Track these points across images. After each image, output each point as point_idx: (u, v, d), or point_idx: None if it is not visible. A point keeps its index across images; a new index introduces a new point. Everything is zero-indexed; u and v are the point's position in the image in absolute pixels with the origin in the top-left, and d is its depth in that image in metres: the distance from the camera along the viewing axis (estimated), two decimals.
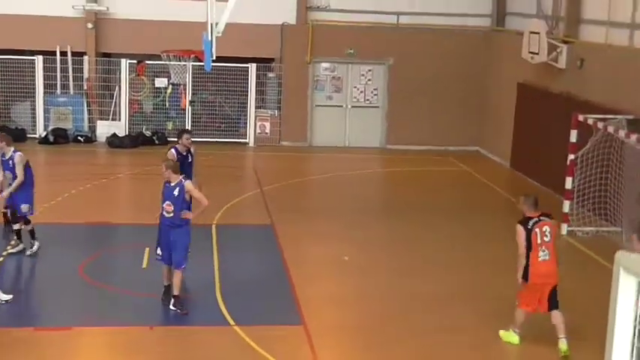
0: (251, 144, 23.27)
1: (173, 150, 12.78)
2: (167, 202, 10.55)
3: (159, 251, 10.81)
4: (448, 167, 21.46)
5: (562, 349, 9.55)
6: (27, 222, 12.78)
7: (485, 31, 23.73)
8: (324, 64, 23.86)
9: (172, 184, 10.55)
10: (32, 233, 12.79)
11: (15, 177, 12.41)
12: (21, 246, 12.72)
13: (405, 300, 11.36)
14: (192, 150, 12.93)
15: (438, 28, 23.45)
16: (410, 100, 23.59)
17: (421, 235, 14.73)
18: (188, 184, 10.62)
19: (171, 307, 10.58)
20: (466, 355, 9.78)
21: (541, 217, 9.73)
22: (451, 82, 23.62)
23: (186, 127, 19.81)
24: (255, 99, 23.43)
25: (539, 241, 9.61)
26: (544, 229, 9.64)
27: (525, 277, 9.60)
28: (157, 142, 22.74)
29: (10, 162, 12.47)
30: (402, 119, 23.73)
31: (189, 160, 12.79)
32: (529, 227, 9.62)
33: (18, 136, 22.32)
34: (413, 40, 23.36)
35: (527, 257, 9.58)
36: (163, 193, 10.64)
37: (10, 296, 10.62)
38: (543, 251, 9.62)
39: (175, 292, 10.63)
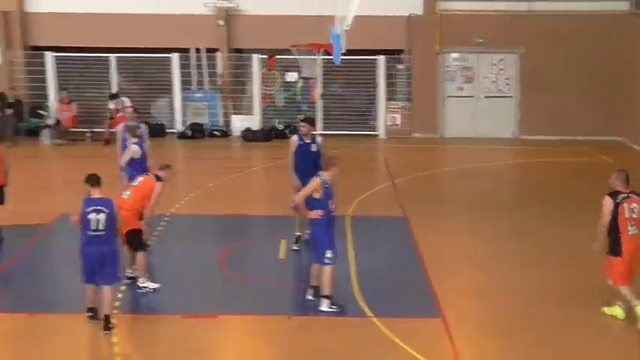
0: (382, 136, 23.34)
1: (296, 136, 12.98)
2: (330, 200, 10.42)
3: (329, 254, 10.34)
4: (585, 158, 20.81)
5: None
6: None
7: (622, 14, 22.85)
8: (454, 55, 23.64)
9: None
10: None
11: None
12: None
13: (543, 293, 11.14)
14: (318, 140, 12.90)
15: (571, 14, 22.77)
16: (543, 89, 23.05)
17: (552, 228, 14.37)
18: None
19: (322, 308, 10.38)
20: (609, 348, 9.51)
21: (630, 194, 9.90)
22: (589, 69, 22.89)
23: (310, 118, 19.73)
24: (386, 91, 23.45)
25: (627, 215, 9.79)
26: (632, 206, 9.81)
27: (618, 252, 9.78)
28: (289, 135, 23.05)
29: None
30: (535, 109, 23.22)
31: (314, 149, 12.69)
32: (617, 201, 9.80)
33: (157, 131, 23.28)
34: (545, 27, 22.81)
35: (614, 232, 9.76)
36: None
37: (158, 285, 11.10)
38: (632, 226, 9.78)
39: (324, 292, 10.43)
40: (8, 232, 13.08)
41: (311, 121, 13.31)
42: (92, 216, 9.41)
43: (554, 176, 19.01)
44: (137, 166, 12.78)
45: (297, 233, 12.87)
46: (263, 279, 11.68)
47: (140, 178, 11.36)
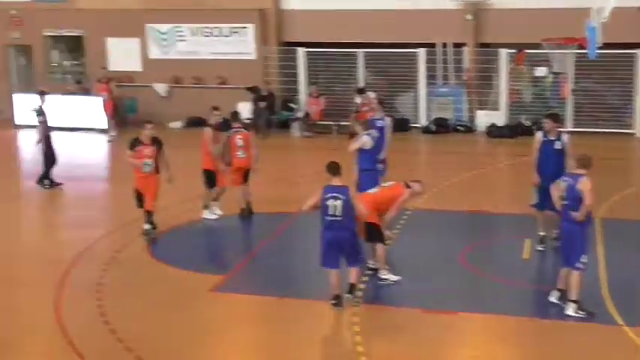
0: (638, 134, 21.98)
1: (540, 133, 12.59)
2: None
3: (584, 259, 9.97)
4: None
5: None
6: None
7: None
8: None
9: None
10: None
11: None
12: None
13: None
14: (563, 138, 12.27)
15: None
16: None
17: None
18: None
19: (569, 312, 9.96)
20: None
21: None
22: None
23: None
24: None
25: None
26: None
27: None
28: (535, 131, 22.42)
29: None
30: None
31: (558, 147, 12.13)
32: None
33: (401, 125, 23.51)
34: None
35: None
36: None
37: (399, 277, 11.20)
38: None
39: (572, 296, 10.03)
40: (260, 218, 13.81)
41: (555, 117, 12.70)
42: (330, 202, 9.86)
43: None
44: (369, 158, 13.01)
45: (542, 233, 12.45)
46: (505, 278, 11.41)
47: (391, 182, 11.56)
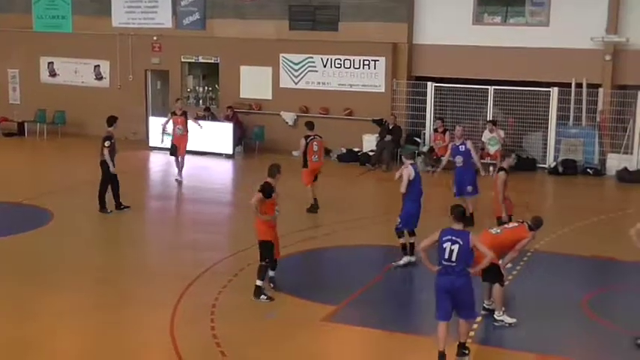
0: None
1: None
2: None
3: None
4: None
5: None
6: (410, 234, 13.43)
7: None
8: None
9: None
10: (406, 247, 13.39)
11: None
12: (405, 259, 13.41)
13: None
14: None
15: None
16: None
17: None
18: None
19: None
20: None
21: None
22: None
23: None
24: None
25: None
26: None
27: None
28: None
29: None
30: None
31: None
32: None
33: (528, 165, 23.04)
34: None
35: None
36: None
37: (515, 320, 10.92)
38: None
39: None
40: (376, 251, 13.79)
41: None
42: (447, 245, 9.42)
43: None
44: (413, 189, 13.35)
45: None
46: (629, 329, 10.92)
47: (514, 224, 11.32)
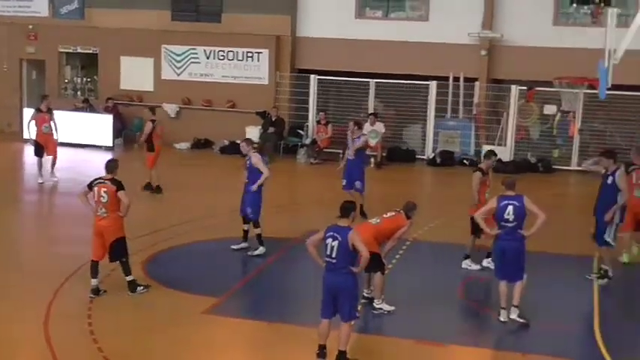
0: None
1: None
2: None
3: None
4: None
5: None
6: (255, 225, 13.59)
7: None
8: None
9: None
10: (259, 238, 13.57)
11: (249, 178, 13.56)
12: (243, 244, 13.73)
13: None
14: (616, 174, 12.49)
15: None
16: None
17: None
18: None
19: (512, 316, 10.71)
20: None
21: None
22: None
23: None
24: None
25: (634, 181, 13.13)
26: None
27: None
28: (541, 169, 22.45)
29: (248, 161, 13.64)
30: None
31: (609, 182, 12.55)
32: (628, 171, 13.04)
33: (407, 157, 23.59)
34: None
35: None
36: None
37: (393, 308, 11.16)
38: (638, 190, 13.09)
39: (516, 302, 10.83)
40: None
41: (610, 155, 12.87)
42: (329, 241, 9.29)
43: None
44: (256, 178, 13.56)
45: (604, 267, 12.77)
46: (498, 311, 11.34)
47: (392, 213, 11.46)
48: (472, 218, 12.48)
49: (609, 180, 12.52)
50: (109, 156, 15.29)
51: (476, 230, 12.66)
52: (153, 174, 18.05)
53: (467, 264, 13.19)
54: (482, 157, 14.20)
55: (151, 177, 18.05)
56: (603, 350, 9.99)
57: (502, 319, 10.83)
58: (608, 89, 13.81)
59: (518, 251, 10.84)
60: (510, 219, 10.75)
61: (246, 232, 13.83)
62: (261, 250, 13.66)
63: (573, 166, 22.63)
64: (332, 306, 9.34)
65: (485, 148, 23.11)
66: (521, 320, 10.71)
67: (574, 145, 22.60)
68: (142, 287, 11.57)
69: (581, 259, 13.61)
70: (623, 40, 12.80)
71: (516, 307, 10.74)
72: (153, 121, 18.05)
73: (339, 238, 9.19)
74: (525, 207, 10.77)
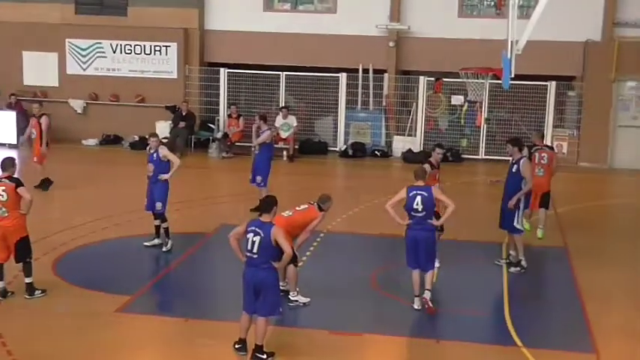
0: None
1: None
2: None
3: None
4: None
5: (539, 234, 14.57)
6: (163, 220, 13.57)
7: None
8: (630, 83, 22.64)
9: None
10: (166, 232, 13.55)
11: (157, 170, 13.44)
12: (156, 240, 13.67)
13: None
14: (520, 162, 12.86)
15: None
16: None
17: None
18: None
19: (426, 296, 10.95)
20: None
21: (543, 147, 14.97)
22: None
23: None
24: (554, 118, 22.80)
25: (536, 161, 14.45)
26: (542, 154, 14.58)
27: None
28: (450, 158, 22.89)
29: (155, 155, 13.54)
30: None
31: (514, 170, 12.89)
32: (532, 151, 14.20)
33: (320, 149, 23.71)
34: None
35: None
36: None
37: (309, 299, 11.23)
38: (539, 170, 14.39)
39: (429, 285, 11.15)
40: (173, 239, 13.66)
41: (515, 142, 13.18)
42: (250, 236, 9.22)
43: None
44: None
45: (512, 252, 13.15)
46: (411, 299, 11.52)
47: (305, 205, 11.46)
48: None
49: (514, 168, 12.87)
50: (12, 154, 14.88)
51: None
52: (41, 169, 17.70)
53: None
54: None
55: (43, 172, 17.65)
56: (513, 334, 10.29)
57: (416, 306, 11.03)
58: (512, 79, 14.13)
59: (429, 241, 11.04)
60: (419, 209, 10.91)
61: (158, 227, 13.68)
62: (170, 244, 13.54)
63: (481, 155, 23.19)
64: (253, 300, 9.30)
65: (396, 138, 23.64)
66: (431, 303, 10.96)
67: (481, 134, 23.13)
68: (39, 291, 11.25)
69: (491, 246, 13.99)
70: (525, 31, 13.12)
71: (429, 290, 11.04)
72: (41, 115, 17.62)
73: (262, 234, 9.15)
74: (434, 197, 10.93)
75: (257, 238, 9.13)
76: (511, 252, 13.24)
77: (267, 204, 9.40)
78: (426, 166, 12.44)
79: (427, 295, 11.03)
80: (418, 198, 10.92)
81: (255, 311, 9.29)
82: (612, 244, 15.08)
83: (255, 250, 9.14)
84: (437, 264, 12.22)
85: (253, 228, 9.20)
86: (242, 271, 9.36)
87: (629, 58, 22.13)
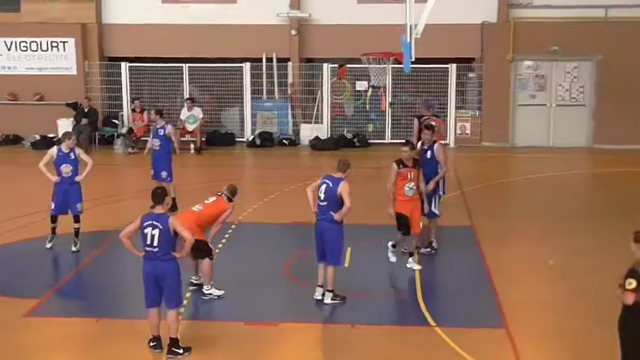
0: (451, 145, 23.10)
1: (394, 164, 12.74)
2: None
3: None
4: None
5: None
6: (78, 220, 13.43)
7: None
8: (527, 63, 23.32)
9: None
10: (77, 232, 13.38)
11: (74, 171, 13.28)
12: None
13: (608, 306, 10.76)
14: (434, 147, 12.84)
15: None
16: (619, 98, 22.49)
17: (626, 240, 13.87)
18: None
19: (327, 301, 10.83)
20: None
21: (430, 116, 14.69)
22: None
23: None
24: (456, 99, 23.26)
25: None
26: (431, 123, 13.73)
27: None
28: (357, 144, 23.12)
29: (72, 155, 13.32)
30: (610, 118, 22.69)
31: (428, 156, 12.80)
32: (421, 122, 14.23)
33: (227, 140, 23.58)
34: (624, 35, 22.30)
35: None
36: None
37: (223, 292, 11.18)
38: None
39: (330, 287, 10.91)
40: (81, 239, 13.38)
41: (430, 128, 13.10)
42: (148, 230, 9.14)
43: (629, 186, 18.52)
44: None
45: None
46: (325, 286, 11.60)
47: (213, 198, 11.39)
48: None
49: (428, 154, 12.83)
50: None
51: (402, 227, 12.16)
52: None
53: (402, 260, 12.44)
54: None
55: None
56: (427, 314, 10.48)
57: (317, 296, 10.94)
58: (413, 63, 14.33)
59: (332, 233, 10.74)
60: (322, 197, 10.74)
61: (54, 228, 13.41)
62: (78, 245, 13.29)
63: (388, 140, 23.47)
64: (156, 295, 9.26)
65: (303, 126, 23.71)
66: (337, 301, 10.86)
67: (386, 119, 23.41)
68: None
69: None
70: (422, 15, 13.33)
71: (330, 291, 10.86)
72: None
73: (160, 226, 9.10)
74: (338, 191, 10.57)
75: (156, 231, 9.09)
76: (432, 238, 13.19)
77: (159, 196, 9.35)
78: (393, 165, 11.93)
79: (327, 298, 10.86)
80: (323, 187, 10.76)
81: (160, 304, 9.28)
82: (516, 221, 15.49)
83: (155, 244, 9.11)
84: (416, 267, 12.05)
85: (150, 222, 9.15)
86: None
87: (525, 38, 22.75)
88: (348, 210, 10.58)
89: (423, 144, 13.05)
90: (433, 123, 13.80)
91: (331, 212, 10.67)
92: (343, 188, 10.62)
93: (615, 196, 17.58)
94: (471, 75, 23.57)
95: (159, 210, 9.28)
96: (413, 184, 11.99)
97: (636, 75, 22.40)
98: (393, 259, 12.33)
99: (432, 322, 10.21)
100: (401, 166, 11.94)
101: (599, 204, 17.29)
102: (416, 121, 14.12)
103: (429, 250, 13.06)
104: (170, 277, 9.22)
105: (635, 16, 22.38)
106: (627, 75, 22.41)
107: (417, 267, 12.02)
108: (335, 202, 10.65)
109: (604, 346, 9.47)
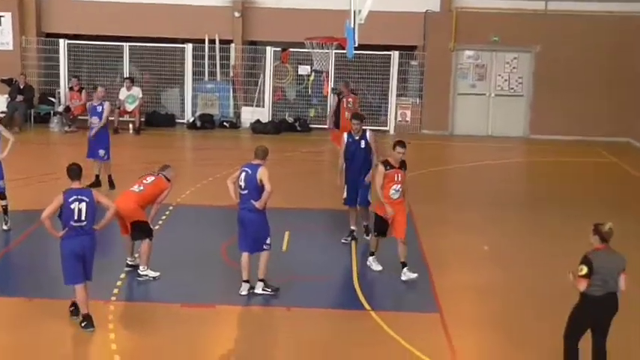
0: (391, 132, 23.27)
1: (345, 135, 12.85)
2: None
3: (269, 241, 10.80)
4: (595, 158, 20.75)
5: None
6: (4, 197, 13.16)
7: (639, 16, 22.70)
8: (468, 52, 23.57)
9: None
10: (5, 210, 13.15)
11: None
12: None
13: (546, 293, 11.03)
14: (367, 136, 12.67)
15: (588, 14, 22.64)
16: (556, 89, 22.94)
17: (560, 228, 14.24)
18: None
19: (258, 291, 10.67)
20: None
21: (349, 93, 17.13)
22: (602, 70, 22.82)
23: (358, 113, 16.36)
24: (397, 87, 23.40)
25: (344, 106, 16.40)
26: (348, 99, 16.57)
27: None
28: (299, 128, 23.11)
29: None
30: (547, 108, 23.12)
31: (362, 146, 12.61)
32: (340, 98, 16.77)
33: (167, 121, 23.34)
34: (562, 27, 22.69)
35: None
36: None
37: (159, 273, 11.09)
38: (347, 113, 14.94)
39: (262, 275, 10.73)
40: (13, 217, 13.12)
41: (361, 118, 12.99)
42: (74, 205, 9.17)
43: (564, 176, 18.91)
44: None
45: (352, 227, 12.98)
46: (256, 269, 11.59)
47: (152, 177, 11.30)
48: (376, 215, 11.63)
49: (362, 144, 12.62)
50: None
51: (379, 228, 11.65)
52: None
53: (370, 262, 11.89)
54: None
55: None
56: (362, 298, 10.57)
57: (242, 292, 10.64)
58: (356, 49, 14.36)
59: (255, 221, 10.56)
60: (242, 185, 10.50)
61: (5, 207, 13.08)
62: (9, 223, 13.02)
63: (329, 125, 23.46)
64: (81, 269, 9.33)
65: (244, 109, 23.59)
66: (269, 291, 10.66)
67: (328, 103, 23.43)
68: None
69: (338, 214, 14.16)
70: (367, 2, 13.37)
71: (262, 280, 10.68)
72: None
73: (86, 199, 9.21)
74: (258, 177, 10.36)
75: (83, 205, 9.20)
76: (365, 223, 13.07)
77: (75, 171, 9.40)
78: (380, 167, 11.33)
79: (259, 288, 10.65)
80: (243, 175, 10.47)
81: (87, 279, 9.40)
82: (453, 208, 15.67)
83: (83, 217, 9.21)
84: (378, 267, 11.65)
85: (75, 197, 9.21)
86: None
87: (467, 28, 22.99)
88: (269, 194, 10.36)
89: (351, 133, 12.74)
90: (350, 100, 17.00)
91: (252, 201, 10.43)
92: (262, 173, 10.38)
93: (549, 186, 17.93)
94: (413, 63, 23.72)
95: (77, 185, 9.35)
96: (399, 186, 11.37)
97: (573, 67, 22.83)
98: (378, 267, 11.65)
99: (367, 306, 10.30)
100: (388, 167, 11.27)
101: (534, 192, 17.63)
102: (335, 97, 14.33)
103: (369, 237, 12.87)
104: (93, 250, 9.42)
105: (574, 9, 22.78)
106: (565, 67, 22.83)
107: (413, 276, 11.27)
108: (255, 188, 10.41)
109: (538, 333, 9.70)
